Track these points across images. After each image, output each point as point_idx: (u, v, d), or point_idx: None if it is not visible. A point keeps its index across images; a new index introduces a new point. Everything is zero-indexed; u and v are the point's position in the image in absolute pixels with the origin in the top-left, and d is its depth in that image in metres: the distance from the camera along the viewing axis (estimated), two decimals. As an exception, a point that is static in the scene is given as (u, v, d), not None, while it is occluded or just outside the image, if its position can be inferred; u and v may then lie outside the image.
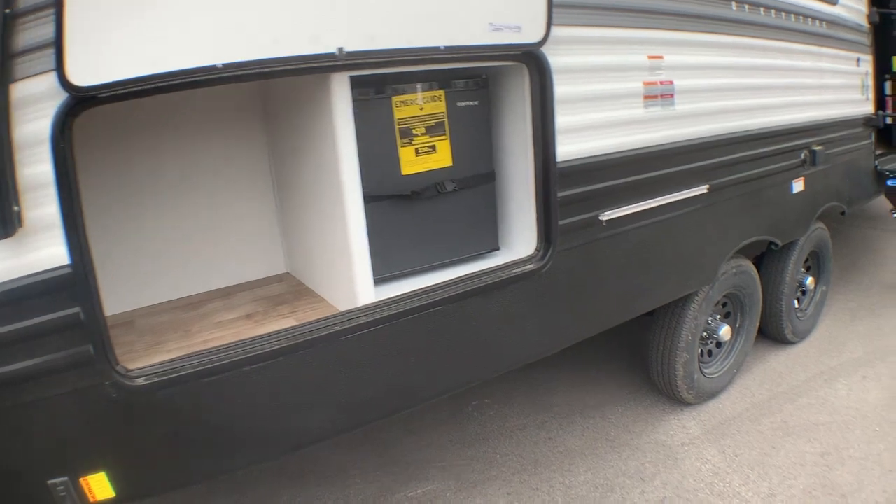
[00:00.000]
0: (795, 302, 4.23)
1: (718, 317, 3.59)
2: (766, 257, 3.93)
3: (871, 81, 4.55)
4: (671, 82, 2.80)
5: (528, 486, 3.13)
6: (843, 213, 4.33)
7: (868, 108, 4.49)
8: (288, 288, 2.70)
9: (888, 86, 5.26)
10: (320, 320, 2.01)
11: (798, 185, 3.68)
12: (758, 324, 3.80)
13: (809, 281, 4.23)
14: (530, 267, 2.40)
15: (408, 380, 2.22)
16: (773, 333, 4.13)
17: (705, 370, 3.55)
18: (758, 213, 3.40)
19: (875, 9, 4.53)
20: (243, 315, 2.37)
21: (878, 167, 4.73)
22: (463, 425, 3.66)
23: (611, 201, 2.59)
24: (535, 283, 2.42)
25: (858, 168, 4.49)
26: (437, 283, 2.23)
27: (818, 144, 3.80)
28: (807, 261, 4.28)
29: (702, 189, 2.95)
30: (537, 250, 2.46)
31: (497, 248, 2.62)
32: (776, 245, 3.63)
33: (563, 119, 2.37)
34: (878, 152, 4.96)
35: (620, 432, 3.44)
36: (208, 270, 2.66)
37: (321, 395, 2.03)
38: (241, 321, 2.30)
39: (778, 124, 3.43)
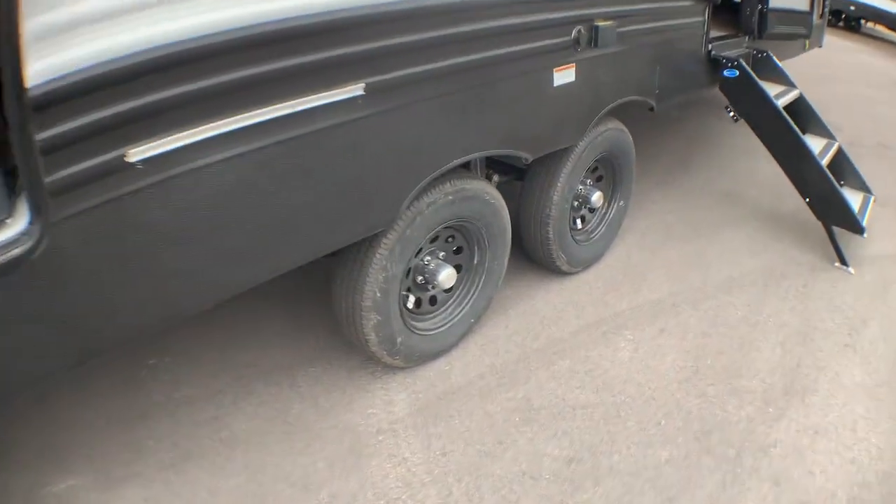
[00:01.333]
0: (579, 221, 3.41)
1: (442, 255, 2.70)
2: (528, 170, 3.03)
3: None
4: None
5: (170, 490, 2.31)
6: (651, 110, 3.41)
7: (698, -26, 3.45)
8: None
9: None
10: None
11: (564, 76, 2.69)
12: (505, 259, 2.94)
13: (597, 196, 3.36)
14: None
15: None
16: (543, 262, 3.31)
17: (416, 326, 2.70)
18: (485, 120, 2.40)
19: None
20: None
21: (713, 53, 3.78)
22: (131, 394, 2.77)
23: (149, 129, 1.53)
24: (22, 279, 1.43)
25: (680, 52, 3.52)
26: None
27: (605, 18, 2.78)
28: (596, 169, 3.40)
29: (352, 90, 1.92)
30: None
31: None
32: (525, 160, 2.71)
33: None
34: (717, 34, 3.99)
35: (306, 409, 2.61)
36: None
37: None
38: None
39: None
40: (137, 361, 2.83)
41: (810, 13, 4.65)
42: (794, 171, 3.77)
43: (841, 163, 4.15)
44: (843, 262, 3.72)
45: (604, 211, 3.55)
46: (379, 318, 2.42)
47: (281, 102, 1.73)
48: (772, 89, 3.95)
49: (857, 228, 3.68)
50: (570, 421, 2.57)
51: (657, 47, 3.23)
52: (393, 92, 2.01)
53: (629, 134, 3.39)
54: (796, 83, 4.17)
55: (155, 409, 2.64)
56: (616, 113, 3.18)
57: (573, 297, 3.32)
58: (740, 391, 2.78)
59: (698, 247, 3.88)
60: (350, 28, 1.83)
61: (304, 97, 1.78)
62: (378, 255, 2.30)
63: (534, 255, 3.28)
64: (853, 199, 3.88)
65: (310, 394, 2.68)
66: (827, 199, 3.71)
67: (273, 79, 1.70)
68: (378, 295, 2.36)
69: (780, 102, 3.82)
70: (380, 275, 2.33)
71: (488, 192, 2.64)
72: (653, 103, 3.34)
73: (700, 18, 3.56)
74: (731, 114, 3.85)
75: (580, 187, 3.29)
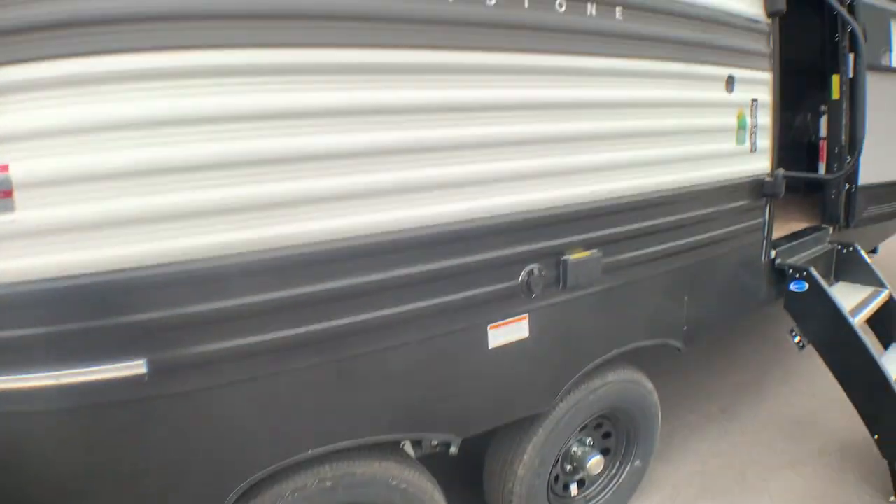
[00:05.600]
0: (573, 487, 2.43)
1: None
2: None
3: (768, 118, 2.57)
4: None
5: None
6: (679, 351, 2.44)
7: (754, 164, 2.54)
8: None
9: (824, 123, 3.29)
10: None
11: (509, 332, 1.84)
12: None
13: (595, 462, 2.38)
14: None
15: None
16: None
17: None
18: (361, 401, 1.61)
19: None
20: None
21: (779, 262, 2.79)
22: None
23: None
24: None
25: (726, 269, 2.57)
26: None
27: (581, 248, 1.92)
28: (601, 425, 2.45)
29: (130, 367, 1.24)
30: None
31: None
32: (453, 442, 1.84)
33: None
34: (787, 232, 3.02)
35: None
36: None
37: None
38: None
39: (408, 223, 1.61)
40: None
41: None
42: (864, 404, 2.74)
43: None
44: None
45: (611, 475, 2.56)
46: None
47: None
48: (855, 295, 3.04)
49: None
50: None
51: (685, 271, 2.32)
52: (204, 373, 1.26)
53: (647, 383, 2.43)
54: (886, 282, 3.14)
55: None
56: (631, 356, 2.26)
57: None
58: None
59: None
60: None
61: None
62: None
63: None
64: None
65: None
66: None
67: None
68: None
69: (866, 311, 2.93)
70: None
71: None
72: (678, 345, 2.38)
73: (758, 220, 2.62)
74: (797, 339, 2.81)
75: (575, 449, 2.36)
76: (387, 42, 1.50)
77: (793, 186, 3.17)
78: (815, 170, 3.46)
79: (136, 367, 1.32)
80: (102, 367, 1.30)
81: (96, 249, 1.25)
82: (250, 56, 1.33)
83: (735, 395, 3.76)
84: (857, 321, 2.84)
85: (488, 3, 1.63)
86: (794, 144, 3.82)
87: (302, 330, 1.47)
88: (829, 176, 2.79)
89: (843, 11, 2.54)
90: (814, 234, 3.12)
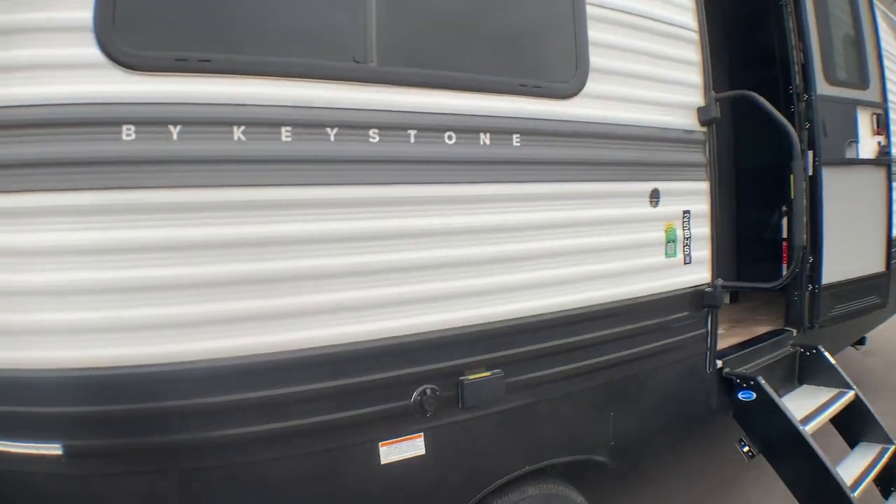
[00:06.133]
0: None
1: None
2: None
3: (705, 227, 2.56)
4: None
5: None
6: (606, 466, 2.38)
7: (689, 276, 2.51)
8: None
9: (785, 223, 3.27)
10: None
11: (402, 451, 1.85)
12: None
13: None
14: None
15: None
16: None
17: None
18: None
19: (721, 95, 2.55)
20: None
21: (727, 371, 2.73)
22: None
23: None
24: None
25: (661, 381, 2.51)
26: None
27: (483, 368, 1.93)
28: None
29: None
30: None
31: None
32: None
33: None
34: (745, 340, 2.96)
35: None
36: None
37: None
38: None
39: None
40: None
41: (887, 274, 3.46)
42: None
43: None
44: None
45: None
46: None
47: None
48: (816, 398, 2.99)
49: None
50: None
51: (610, 386, 2.29)
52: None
53: (576, 496, 2.35)
54: (852, 383, 3.08)
55: None
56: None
57: None
58: None
59: None
60: None
61: None
62: None
63: None
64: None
65: None
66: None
67: None
68: None
69: (826, 414, 2.87)
70: None
71: None
72: (605, 460, 2.32)
73: (699, 331, 2.57)
74: (746, 448, 2.71)
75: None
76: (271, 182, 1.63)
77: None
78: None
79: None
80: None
81: None
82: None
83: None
84: (816, 424, 2.77)
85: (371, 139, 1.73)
86: (774, 243, 3.78)
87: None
88: (769, 285, 2.73)
89: (776, 114, 2.53)
90: (773, 339, 3.04)
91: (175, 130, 1.56)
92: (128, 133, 1.49)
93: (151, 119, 1.52)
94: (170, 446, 1.59)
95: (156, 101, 1.53)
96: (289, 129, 1.67)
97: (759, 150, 3.62)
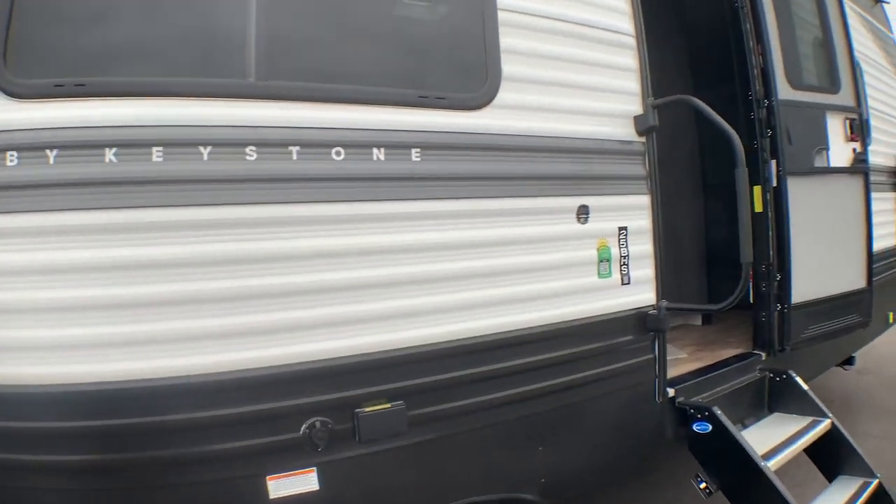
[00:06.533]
0: None
1: None
2: None
3: (647, 245, 2.39)
4: None
5: None
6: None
7: (629, 297, 2.33)
8: None
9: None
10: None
11: (292, 486, 1.71)
12: None
13: None
14: None
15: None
16: None
17: None
18: None
19: (658, 101, 2.38)
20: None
21: (680, 400, 2.52)
22: None
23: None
24: None
25: (603, 411, 2.32)
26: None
27: (382, 400, 1.78)
28: None
29: None
30: None
31: None
32: None
33: None
34: (706, 366, 2.76)
35: None
36: None
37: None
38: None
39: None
40: None
41: (869, 290, 3.21)
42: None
43: None
44: None
45: None
46: None
47: None
48: (786, 428, 2.74)
49: None
50: None
51: (536, 418, 2.11)
52: None
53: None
54: (828, 410, 2.81)
55: None
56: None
57: None
58: None
59: None
60: None
61: None
62: None
63: None
64: None
65: None
66: None
67: None
68: None
69: (796, 445, 2.61)
70: None
71: None
72: (534, 499, 2.13)
73: (646, 357, 2.38)
74: (703, 485, 2.49)
75: None
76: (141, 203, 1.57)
77: (740, 306, 2.90)
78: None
79: None
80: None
81: None
82: None
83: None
84: (784, 458, 2.54)
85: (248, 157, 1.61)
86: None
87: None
88: (716, 307, 2.54)
89: (716, 118, 2.34)
90: (739, 364, 2.82)
91: (52, 154, 1.55)
92: (11, 159, 1.51)
93: (30, 144, 1.53)
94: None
95: (35, 126, 1.55)
96: (160, 149, 1.60)
97: (728, 164, 3.43)
